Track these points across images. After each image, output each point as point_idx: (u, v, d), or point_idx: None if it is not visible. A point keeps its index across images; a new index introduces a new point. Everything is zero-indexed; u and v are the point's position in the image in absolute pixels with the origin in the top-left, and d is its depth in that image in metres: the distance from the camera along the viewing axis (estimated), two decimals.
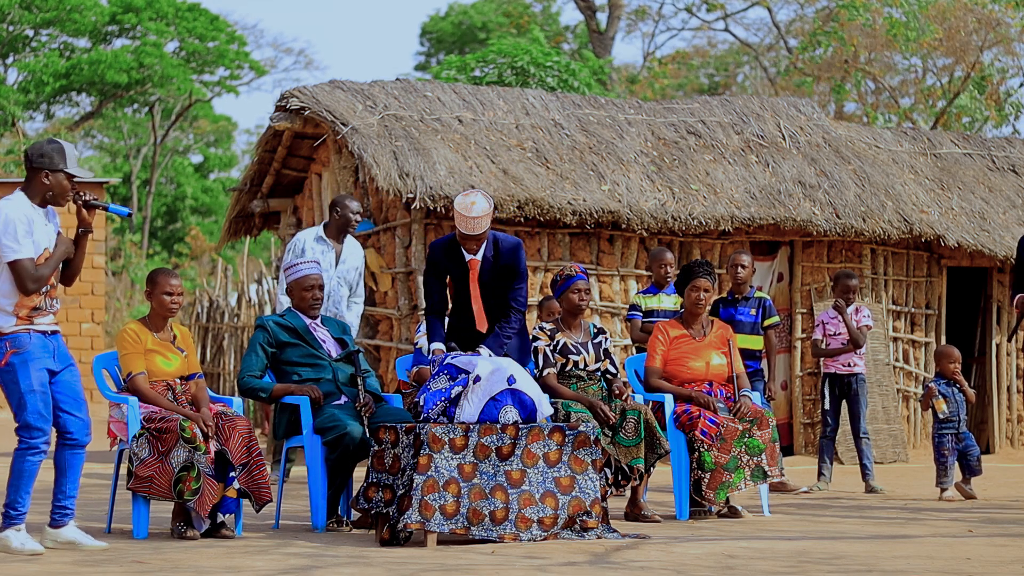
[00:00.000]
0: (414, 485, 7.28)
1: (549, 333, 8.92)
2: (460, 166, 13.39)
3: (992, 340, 16.06)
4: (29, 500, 7.11)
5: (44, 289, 7.11)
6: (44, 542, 7.20)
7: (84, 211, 7.24)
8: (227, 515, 7.79)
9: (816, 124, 15.97)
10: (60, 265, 7.23)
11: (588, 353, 8.93)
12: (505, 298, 8.56)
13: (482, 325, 8.55)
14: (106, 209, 7.34)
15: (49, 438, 7.08)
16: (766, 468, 8.97)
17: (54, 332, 7.21)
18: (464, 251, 8.49)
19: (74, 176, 7.15)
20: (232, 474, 7.70)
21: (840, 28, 26.47)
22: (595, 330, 9.09)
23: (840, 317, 11.35)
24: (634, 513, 8.78)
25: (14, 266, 6.99)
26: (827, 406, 11.41)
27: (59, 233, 7.23)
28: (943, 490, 10.59)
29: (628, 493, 8.93)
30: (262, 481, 7.77)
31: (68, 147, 7.16)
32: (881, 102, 29.19)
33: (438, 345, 8.42)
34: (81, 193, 7.21)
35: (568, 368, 8.88)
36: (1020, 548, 7.55)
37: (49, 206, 7.20)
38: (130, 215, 7.59)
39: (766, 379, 11.15)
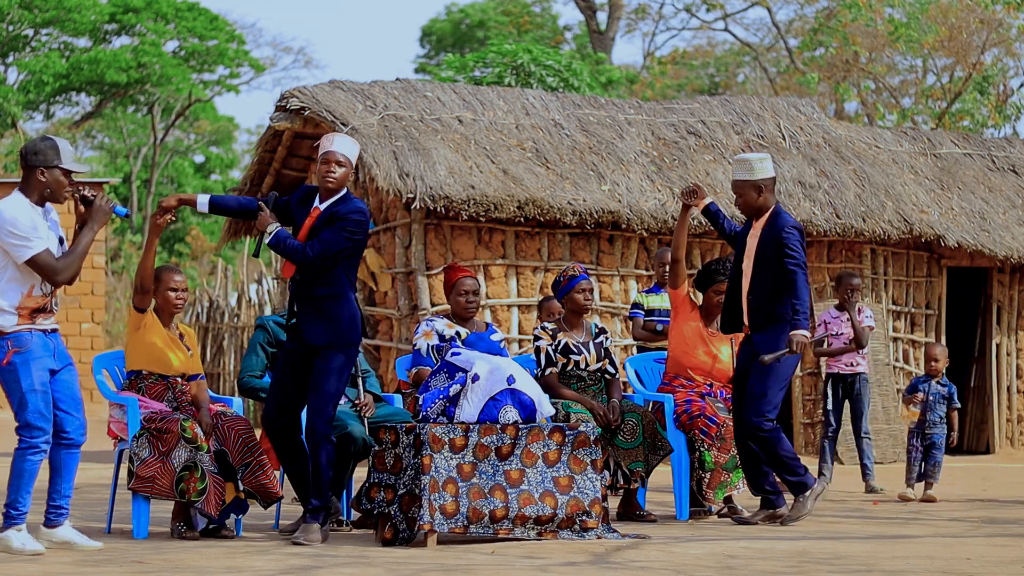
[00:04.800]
0: (422, 486, 7.28)
1: (551, 333, 8.92)
2: (460, 166, 13.39)
3: (992, 340, 16.06)
4: (30, 500, 7.09)
5: (49, 289, 7.10)
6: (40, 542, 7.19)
7: (83, 207, 7.22)
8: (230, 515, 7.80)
9: (816, 124, 15.97)
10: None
11: (590, 353, 8.93)
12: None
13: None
14: None
15: (50, 437, 7.06)
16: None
17: (54, 331, 7.20)
18: (317, 199, 7.64)
19: (71, 172, 7.13)
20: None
21: (842, 27, 26.46)
22: (597, 330, 9.08)
23: (842, 317, 11.36)
24: (628, 513, 8.78)
25: (34, 263, 6.94)
26: (830, 406, 11.42)
27: (79, 228, 7.17)
28: (908, 488, 10.66)
29: (622, 494, 8.91)
30: (266, 480, 7.76)
31: (63, 143, 7.12)
32: (882, 102, 29.17)
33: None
34: (79, 188, 7.18)
35: (569, 368, 8.88)
36: (1020, 548, 7.55)
37: (47, 206, 7.18)
38: (127, 215, 7.56)
39: None
